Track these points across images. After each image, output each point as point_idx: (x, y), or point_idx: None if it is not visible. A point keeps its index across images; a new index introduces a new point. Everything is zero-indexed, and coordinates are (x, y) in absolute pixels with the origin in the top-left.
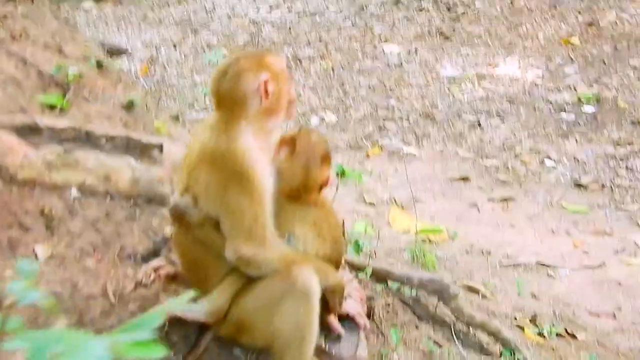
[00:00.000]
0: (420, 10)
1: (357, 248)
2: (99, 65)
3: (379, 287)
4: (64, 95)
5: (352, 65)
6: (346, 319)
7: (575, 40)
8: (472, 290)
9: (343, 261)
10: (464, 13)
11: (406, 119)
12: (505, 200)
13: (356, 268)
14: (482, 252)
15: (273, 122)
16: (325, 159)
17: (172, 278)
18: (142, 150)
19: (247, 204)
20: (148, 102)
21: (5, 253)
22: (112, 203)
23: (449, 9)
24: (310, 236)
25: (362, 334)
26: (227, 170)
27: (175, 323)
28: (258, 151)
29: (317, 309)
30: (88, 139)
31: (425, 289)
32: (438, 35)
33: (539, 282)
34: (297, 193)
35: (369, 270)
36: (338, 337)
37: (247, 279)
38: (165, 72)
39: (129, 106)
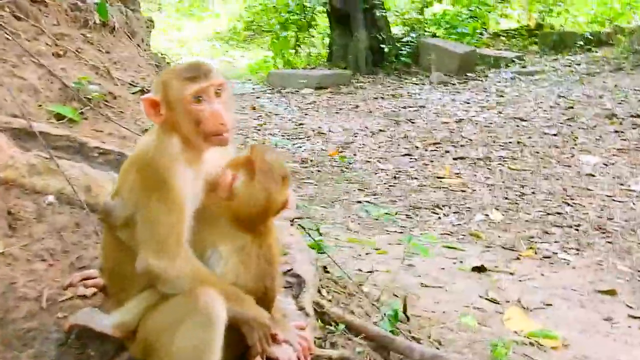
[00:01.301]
0: (635, 127)
1: (394, 318)
2: (142, 92)
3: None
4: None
5: (541, 170)
6: None
7: None
8: None
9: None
10: None
11: (575, 227)
12: None
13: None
14: None
15: (195, 140)
16: (285, 179)
17: (102, 289)
18: None
19: (163, 214)
20: None
21: None
22: (86, 215)
23: None
24: (234, 260)
25: None
26: (149, 177)
27: (98, 337)
28: (184, 163)
29: (219, 338)
30: (80, 150)
31: None
32: None
33: None
34: (254, 219)
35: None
36: None
37: (161, 295)
38: (355, 157)
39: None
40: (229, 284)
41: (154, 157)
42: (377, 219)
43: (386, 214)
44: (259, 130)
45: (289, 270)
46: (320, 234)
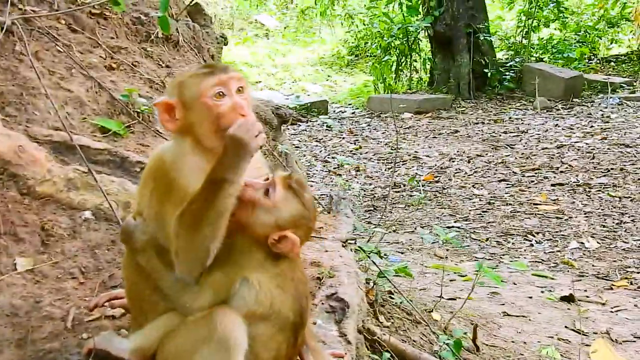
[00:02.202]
0: None
1: (457, 348)
2: None
3: None
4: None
5: None
6: None
7: None
8: None
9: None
10: None
11: None
12: None
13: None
14: None
15: (213, 141)
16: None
17: (128, 309)
18: None
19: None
20: None
21: None
22: None
23: None
24: (269, 286)
25: None
26: (163, 184)
27: None
28: (200, 169)
29: None
30: (121, 165)
31: None
32: None
33: None
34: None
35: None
36: None
37: (180, 320)
38: (449, 182)
39: None
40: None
41: (164, 158)
42: (445, 243)
43: (453, 238)
44: (354, 154)
45: (333, 294)
46: (382, 257)
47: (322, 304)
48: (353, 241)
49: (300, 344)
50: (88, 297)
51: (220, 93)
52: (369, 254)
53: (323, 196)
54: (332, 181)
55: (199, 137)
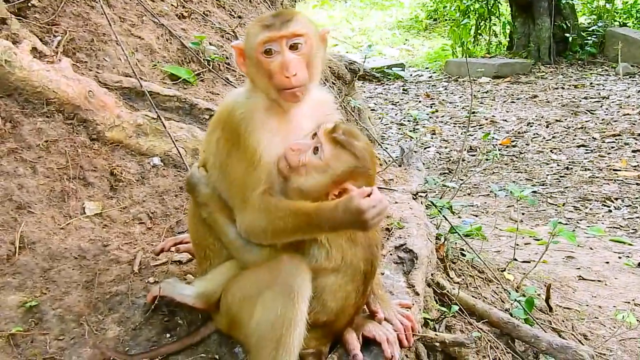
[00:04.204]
0: None
1: (529, 306)
2: None
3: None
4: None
5: None
6: (373, 344)
7: None
8: None
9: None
10: None
11: None
12: None
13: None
14: None
15: (271, 94)
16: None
17: (193, 254)
18: None
19: (244, 174)
20: None
21: (52, 201)
22: None
23: None
24: (339, 241)
25: None
26: (230, 134)
27: (186, 306)
28: (267, 121)
29: (302, 312)
30: (190, 112)
31: (554, 356)
32: None
33: None
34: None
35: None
36: None
37: (242, 267)
38: (527, 146)
39: None
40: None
41: (234, 109)
42: (519, 200)
43: (531, 192)
44: (430, 117)
45: (402, 245)
46: (454, 213)
47: (391, 254)
48: (424, 194)
49: (368, 293)
50: (155, 242)
51: (270, 50)
52: (441, 209)
53: (395, 150)
54: (400, 147)
55: (260, 88)
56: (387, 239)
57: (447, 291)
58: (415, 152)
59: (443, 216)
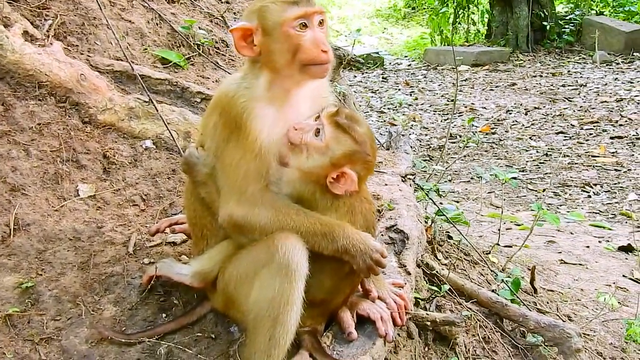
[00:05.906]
0: None
1: (515, 287)
2: None
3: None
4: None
5: None
6: (368, 322)
7: None
8: None
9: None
10: None
11: None
12: None
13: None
14: None
15: (282, 76)
16: (372, 139)
17: (189, 235)
18: None
19: (242, 160)
20: None
21: (46, 183)
22: None
23: None
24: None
25: (380, 344)
26: (228, 119)
27: (181, 286)
28: (267, 104)
29: (299, 290)
30: (182, 95)
31: (541, 334)
32: None
33: None
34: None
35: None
36: (349, 339)
37: (240, 245)
38: (506, 134)
39: None
40: (323, 217)
41: (234, 97)
42: (505, 183)
43: (513, 178)
44: (409, 105)
45: (392, 226)
46: (440, 195)
47: (382, 235)
48: (412, 176)
49: None
50: (149, 224)
51: (304, 24)
52: (428, 192)
53: (383, 133)
54: (387, 130)
55: (275, 66)
56: (379, 220)
57: (437, 272)
58: (402, 135)
59: (430, 199)
